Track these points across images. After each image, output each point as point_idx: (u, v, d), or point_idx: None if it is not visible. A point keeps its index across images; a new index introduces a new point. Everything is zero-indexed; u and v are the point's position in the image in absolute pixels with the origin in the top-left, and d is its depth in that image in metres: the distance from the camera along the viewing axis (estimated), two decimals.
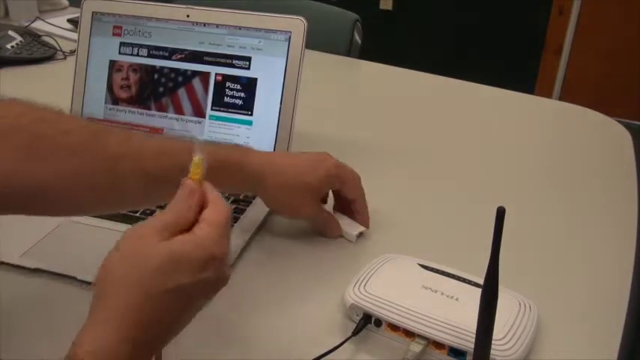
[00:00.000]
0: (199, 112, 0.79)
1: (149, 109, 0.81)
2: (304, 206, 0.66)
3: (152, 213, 0.71)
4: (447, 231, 0.73)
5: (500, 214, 0.40)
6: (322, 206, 0.70)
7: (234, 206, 0.73)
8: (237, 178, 0.62)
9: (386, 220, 0.75)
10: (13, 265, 0.63)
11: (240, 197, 0.75)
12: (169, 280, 0.41)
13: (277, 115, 0.77)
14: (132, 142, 0.57)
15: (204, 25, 0.79)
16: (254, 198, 0.75)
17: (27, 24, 1.42)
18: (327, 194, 0.71)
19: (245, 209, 0.73)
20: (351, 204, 0.71)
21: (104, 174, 0.55)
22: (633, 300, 0.62)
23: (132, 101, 0.81)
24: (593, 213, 0.78)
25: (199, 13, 0.79)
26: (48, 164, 0.52)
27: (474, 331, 0.46)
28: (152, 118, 0.81)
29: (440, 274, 0.59)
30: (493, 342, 0.47)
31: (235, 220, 0.71)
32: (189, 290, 0.42)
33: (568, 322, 0.58)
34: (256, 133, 0.78)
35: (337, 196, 0.72)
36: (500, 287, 0.44)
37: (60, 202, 0.54)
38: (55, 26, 1.41)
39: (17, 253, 0.64)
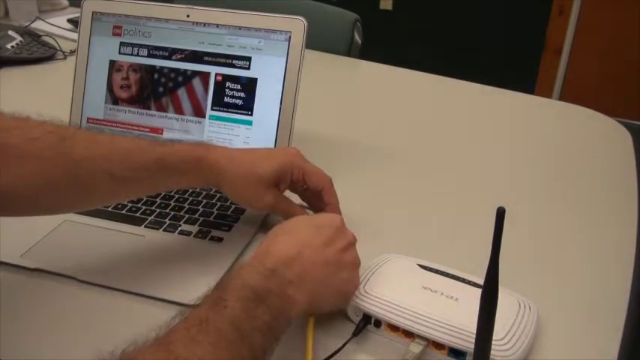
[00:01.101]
0: (199, 112, 0.79)
1: (149, 108, 0.81)
2: (260, 197, 0.65)
3: (152, 213, 0.71)
4: (446, 231, 0.73)
5: (500, 214, 0.40)
6: (283, 196, 0.68)
7: (234, 206, 0.73)
8: (199, 172, 0.63)
9: (386, 220, 0.75)
10: (13, 265, 0.63)
11: None
12: (299, 226, 0.56)
13: (277, 115, 0.77)
14: (98, 145, 0.59)
15: (204, 25, 0.79)
16: None
17: (27, 24, 1.42)
18: (287, 184, 0.68)
19: (245, 209, 0.73)
20: (320, 195, 0.69)
21: (69, 177, 0.57)
22: (633, 300, 0.62)
23: (132, 101, 0.81)
24: (593, 213, 0.78)
25: (199, 13, 0.79)
26: (14, 170, 0.54)
27: (474, 332, 0.46)
28: (152, 118, 0.81)
29: (439, 274, 0.59)
30: (493, 342, 0.47)
31: (236, 219, 0.71)
32: (320, 238, 0.54)
33: (568, 322, 0.58)
34: (256, 133, 0.78)
35: (304, 192, 0.71)
36: (500, 288, 0.44)
37: (25, 203, 0.57)
38: (55, 26, 1.42)
39: (17, 253, 0.64)
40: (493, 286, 0.43)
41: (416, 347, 0.53)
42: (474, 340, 0.46)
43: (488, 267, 0.43)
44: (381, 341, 0.56)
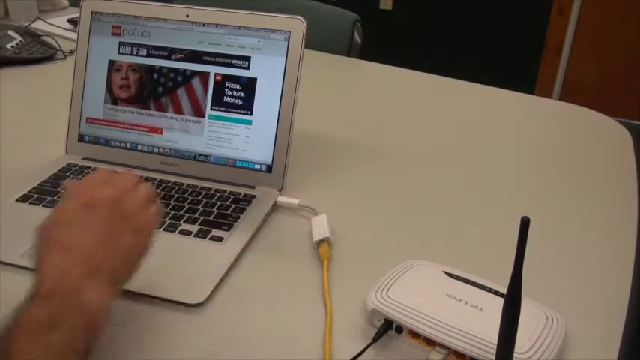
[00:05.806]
0: (199, 112, 0.79)
1: (148, 108, 0.81)
2: None
3: None
4: (445, 232, 0.73)
5: (525, 224, 0.38)
6: None
7: (234, 205, 0.73)
8: None
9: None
10: (13, 265, 0.63)
11: (241, 197, 0.75)
12: (62, 209, 0.51)
13: (277, 114, 0.77)
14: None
15: (204, 24, 0.79)
16: (253, 198, 0.75)
17: (27, 24, 1.42)
18: None
19: (245, 208, 0.73)
20: None
21: None
22: (633, 300, 0.61)
23: (131, 101, 0.81)
24: (592, 213, 0.78)
25: (198, 13, 0.79)
26: None
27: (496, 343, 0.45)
28: (151, 118, 0.81)
29: (466, 282, 0.57)
30: (516, 354, 0.45)
31: (236, 219, 0.71)
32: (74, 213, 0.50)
33: (568, 323, 0.58)
34: (256, 132, 0.78)
35: None
36: (527, 299, 0.42)
37: None
38: (55, 26, 1.42)
39: (17, 253, 0.64)
40: (515, 297, 0.42)
41: (436, 355, 0.52)
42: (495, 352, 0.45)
43: (511, 277, 0.42)
44: (401, 347, 0.55)
